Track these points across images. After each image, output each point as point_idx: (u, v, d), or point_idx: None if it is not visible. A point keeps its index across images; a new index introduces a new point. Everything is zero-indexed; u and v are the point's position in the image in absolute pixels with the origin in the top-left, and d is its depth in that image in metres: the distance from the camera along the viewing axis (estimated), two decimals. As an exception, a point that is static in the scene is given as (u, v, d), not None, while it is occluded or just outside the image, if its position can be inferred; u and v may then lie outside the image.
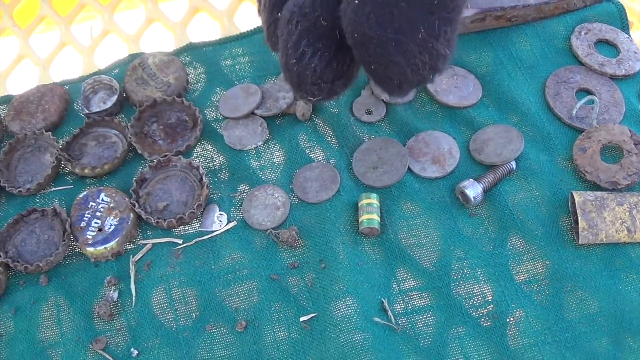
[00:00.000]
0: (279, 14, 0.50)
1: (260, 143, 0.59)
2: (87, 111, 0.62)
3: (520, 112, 0.60)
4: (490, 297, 0.53)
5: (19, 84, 0.68)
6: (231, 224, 0.55)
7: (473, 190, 0.56)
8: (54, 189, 0.60)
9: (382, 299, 0.52)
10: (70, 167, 0.59)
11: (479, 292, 0.53)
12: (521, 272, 0.54)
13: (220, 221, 0.56)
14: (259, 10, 0.53)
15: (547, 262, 0.53)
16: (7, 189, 0.60)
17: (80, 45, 0.69)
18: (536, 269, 0.54)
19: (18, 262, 0.56)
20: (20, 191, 0.60)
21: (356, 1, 0.45)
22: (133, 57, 0.66)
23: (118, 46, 0.69)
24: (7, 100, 0.66)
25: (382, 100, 0.60)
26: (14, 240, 0.57)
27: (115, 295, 0.54)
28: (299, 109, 0.59)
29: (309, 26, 0.48)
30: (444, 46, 0.47)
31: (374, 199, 0.55)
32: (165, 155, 0.58)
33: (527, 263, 0.54)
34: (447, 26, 0.47)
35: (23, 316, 0.54)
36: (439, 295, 0.53)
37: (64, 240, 0.56)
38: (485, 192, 0.56)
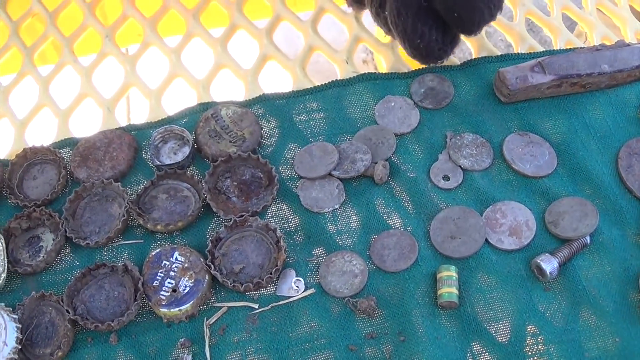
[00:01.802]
0: None
1: (337, 206, 0.58)
2: (158, 162, 0.61)
3: (593, 183, 0.60)
4: (562, 375, 0.53)
5: (82, 125, 0.67)
6: (309, 291, 0.55)
7: (550, 265, 0.56)
8: (122, 242, 0.59)
9: (460, 374, 0.53)
10: (141, 222, 0.58)
11: (551, 368, 0.53)
12: (592, 348, 0.54)
13: (297, 287, 0.55)
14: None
15: (617, 339, 0.54)
16: (74, 240, 0.59)
17: (147, 88, 0.68)
18: (606, 345, 0.54)
19: (87, 319, 0.55)
20: (87, 243, 0.59)
21: None
22: (203, 106, 0.65)
23: (186, 91, 0.68)
24: (70, 143, 0.65)
25: (460, 166, 0.60)
26: (82, 295, 0.56)
27: (189, 358, 0.53)
28: (377, 173, 0.58)
29: (416, 12, 0.62)
30: None
31: (453, 272, 0.55)
32: (242, 215, 0.57)
33: (597, 339, 0.54)
34: None
35: (90, 374, 0.54)
36: (514, 370, 0.53)
37: (136, 300, 0.55)
38: (560, 266, 0.57)
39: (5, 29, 0.76)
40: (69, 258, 0.60)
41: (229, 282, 0.55)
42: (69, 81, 0.71)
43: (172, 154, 0.62)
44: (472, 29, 0.64)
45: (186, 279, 0.55)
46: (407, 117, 0.63)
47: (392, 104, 0.63)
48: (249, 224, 0.57)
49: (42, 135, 0.68)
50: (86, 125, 0.66)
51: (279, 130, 0.63)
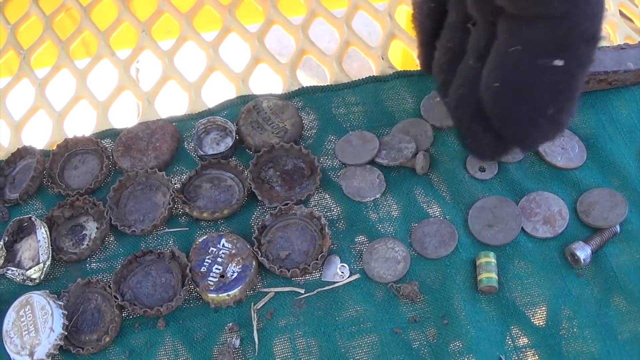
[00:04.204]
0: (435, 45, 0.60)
1: (378, 195, 0.60)
2: (202, 152, 0.62)
3: (621, 176, 0.63)
4: (597, 356, 0.55)
5: (121, 117, 0.68)
6: (354, 277, 0.57)
7: (583, 252, 0.58)
8: (167, 230, 0.60)
9: (500, 356, 0.54)
10: (187, 210, 0.60)
11: (587, 350, 0.55)
12: (624, 331, 0.56)
13: (342, 273, 0.57)
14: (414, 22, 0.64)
15: (647, 323, 0.56)
16: (119, 228, 0.60)
17: (186, 81, 0.69)
18: (637, 329, 0.56)
19: (136, 305, 0.56)
20: (133, 231, 0.60)
21: (496, 84, 0.54)
22: (243, 99, 0.66)
23: (225, 85, 0.69)
24: (110, 134, 0.66)
25: (494, 158, 0.62)
26: (128, 281, 0.58)
27: (237, 342, 0.55)
28: (419, 163, 0.60)
29: (473, 111, 0.57)
30: (567, 116, 0.56)
31: (492, 258, 0.57)
32: (287, 204, 0.59)
33: (629, 323, 0.56)
34: (570, 101, 0.55)
35: (138, 359, 0.55)
36: (551, 352, 0.55)
37: (184, 285, 0.56)
38: (593, 254, 0.59)
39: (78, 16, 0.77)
40: (113, 246, 0.61)
41: (276, 268, 0.56)
42: (106, 74, 0.73)
43: (215, 145, 0.63)
44: (524, 149, 0.60)
45: (234, 264, 0.57)
46: None
47: (437, 99, 0.65)
48: (293, 212, 0.59)
49: (81, 126, 0.69)
50: (125, 117, 0.67)
51: (318, 122, 0.65)
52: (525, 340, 0.56)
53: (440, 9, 0.59)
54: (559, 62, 0.51)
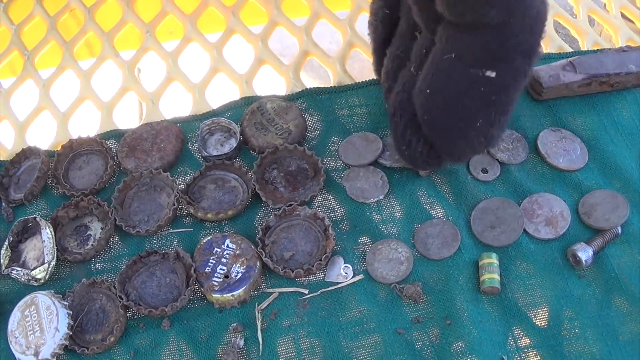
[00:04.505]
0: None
1: (381, 197, 0.61)
2: (206, 153, 0.62)
3: (622, 177, 0.63)
4: (599, 356, 0.56)
5: (124, 118, 0.68)
6: (358, 277, 0.57)
7: (585, 253, 0.58)
8: (171, 230, 0.61)
9: (503, 357, 0.55)
10: (191, 211, 0.60)
11: (588, 351, 0.56)
12: (625, 332, 0.57)
13: (346, 273, 0.57)
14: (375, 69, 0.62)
15: (648, 324, 0.57)
16: (124, 229, 0.60)
17: (190, 82, 0.70)
18: (638, 329, 0.56)
19: (141, 305, 0.56)
20: (138, 232, 0.60)
21: (428, 90, 0.54)
22: (247, 100, 0.67)
23: (228, 86, 0.69)
24: (114, 135, 0.67)
25: (497, 160, 0.63)
26: (133, 282, 0.58)
27: (242, 342, 0.55)
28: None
29: (410, 118, 0.56)
30: (498, 130, 0.55)
31: (494, 259, 0.57)
32: (291, 205, 0.59)
33: (630, 324, 0.57)
34: (502, 115, 0.54)
35: (143, 359, 0.55)
36: (553, 353, 0.55)
37: (189, 286, 0.56)
38: (594, 255, 0.59)
39: (82, 18, 0.77)
40: (118, 246, 0.61)
41: (280, 269, 0.56)
42: (110, 75, 0.73)
43: (219, 146, 0.64)
44: (452, 160, 0.59)
45: (238, 265, 0.57)
46: None
47: None
48: (297, 212, 0.59)
49: (86, 126, 0.70)
50: (127, 117, 0.67)
51: (322, 123, 0.65)
52: (527, 340, 0.56)
53: (393, 16, 0.59)
54: (491, 73, 0.50)
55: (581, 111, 0.66)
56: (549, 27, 0.76)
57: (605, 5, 0.79)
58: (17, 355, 0.54)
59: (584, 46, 0.74)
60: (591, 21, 0.78)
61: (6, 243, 0.60)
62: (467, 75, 0.50)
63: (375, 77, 0.66)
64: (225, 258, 0.57)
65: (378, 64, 0.62)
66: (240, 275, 0.56)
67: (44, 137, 0.69)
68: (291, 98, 0.66)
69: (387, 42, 0.59)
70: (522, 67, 0.51)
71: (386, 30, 0.59)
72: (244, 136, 0.63)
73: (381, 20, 0.59)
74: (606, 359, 0.55)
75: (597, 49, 0.71)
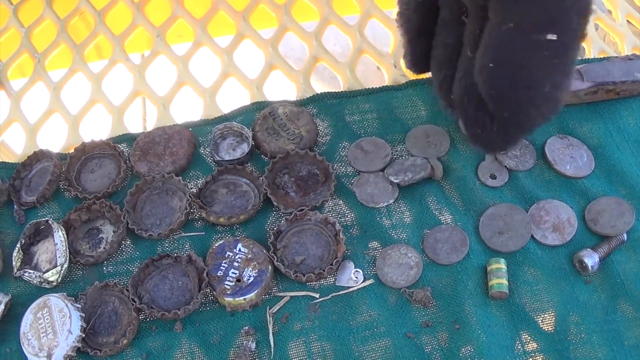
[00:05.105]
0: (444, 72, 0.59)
1: (391, 202, 0.61)
2: (218, 158, 0.63)
3: (628, 184, 0.64)
4: (604, 361, 0.57)
5: (133, 122, 0.69)
6: (368, 282, 0.58)
7: (592, 259, 0.59)
8: (183, 234, 0.61)
9: (510, 361, 0.56)
10: (204, 215, 0.61)
11: (594, 355, 0.57)
12: (630, 337, 0.58)
13: (356, 278, 0.58)
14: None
15: (652, 329, 0.57)
16: (136, 232, 0.61)
17: (200, 86, 0.70)
18: (643, 335, 0.58)
19: (153, 308, 0.57)
20: (150, 235, 0.61)
21: (491, 65, 0.53)
22: (258, 105, 0.67)
23: (239, 91, 0.70)
24: (127, 138, 0.67)
25: (505, 166, 0.63)
26: (146, 285, 0.58)
27: (253, 345, 0.56)
28: (438, 170, 0.62)
29: (478, 101, 0.56)
30: (563, 93, 0.56)
31: (502, 264, 0.58)
32: (302, 209, 0.60)
33: (635, 329, 0.58)
34: (566, 77, 0.55)
35: (156, 362, 0.56)
36: (560, 357, 0.56)
37: (201, 289, 0.57)
38: (600, 261, 0.60)
39: (92, 20, 0.77)
40: (130, 249, 0.62)
41: (291, 273, 0.57)
42: (121, 78, 0.73)
43: (231, 150, 0.64)
44: (524, 132, 0.58)
45: (250, 269, 0.58)
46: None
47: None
48: (308, 217, 0.60)
49: (96, 130, 0.70)
50: (135, 121, 0.68)
51: (332, 129, 0.66)
52: (535, 345, 0.57)
53: (427, 4, 0.59)
54: (552, 36, 0.51)
55: (588, 119, 0.67)
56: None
57: (611, 12, 0.80)
58: (29, 357, 0.55)
59: (591, 54, 0.74)
60: (595, 26, 0.79)
61: (18, 245, 0.60)
62: (529, 42, 0.51)
63: (407, 70, 0.65)
64: (237, 262, 0.58)
65: (413, 55, 0.62)
66: (252, 279, 0.57)
67: (55, 140, 0.70)
68: (302, 103, 0.67)
69: (422, 31, 0.60)
70: (578, 27, 0.52)
71: (420, 20, 0.60)
72: (255, 141, 0.64)
73: (414, 9, 0.60)
74: (612, 363, 0.56)
75: (604, 57, 0.72)
